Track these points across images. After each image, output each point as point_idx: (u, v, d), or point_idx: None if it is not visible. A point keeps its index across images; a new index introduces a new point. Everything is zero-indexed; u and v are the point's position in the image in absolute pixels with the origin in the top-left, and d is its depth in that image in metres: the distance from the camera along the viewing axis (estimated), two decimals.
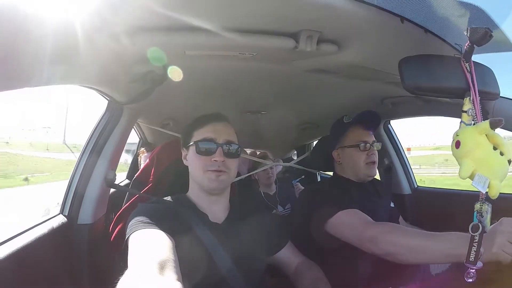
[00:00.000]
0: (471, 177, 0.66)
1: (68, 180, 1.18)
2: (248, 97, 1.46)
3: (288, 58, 0.98)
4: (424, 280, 1.18)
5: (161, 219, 0.78)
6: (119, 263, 1.06)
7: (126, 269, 0.62)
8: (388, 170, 1.72)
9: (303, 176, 2.52)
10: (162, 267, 0.62)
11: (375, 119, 1.28)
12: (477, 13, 0.71)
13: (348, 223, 1.05)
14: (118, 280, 0.58)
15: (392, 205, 1.33)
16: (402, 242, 0.90)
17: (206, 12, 0.72)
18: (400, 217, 1.39)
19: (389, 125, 1.78)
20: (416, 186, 1.76)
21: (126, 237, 0.76)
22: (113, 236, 1.13)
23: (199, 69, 1.09)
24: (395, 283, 1.13)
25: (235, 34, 0.80)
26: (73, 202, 1.11)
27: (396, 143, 1.79)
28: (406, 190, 1.73)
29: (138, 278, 0.60)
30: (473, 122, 0.73)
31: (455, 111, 1.15)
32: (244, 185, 2.06)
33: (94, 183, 1.16)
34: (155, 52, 0.88)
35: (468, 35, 0.70)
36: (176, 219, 0.83)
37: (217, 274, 0.81)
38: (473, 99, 0.73)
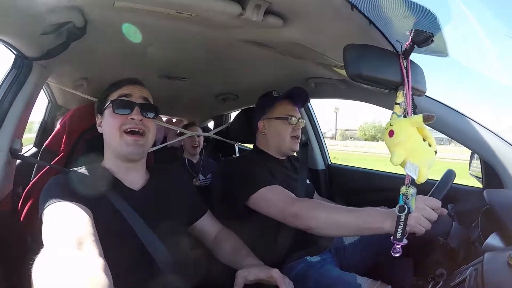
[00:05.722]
0: (402, 164, 0.72)
1: None
2: (173, 61, 1.33)
3: (228, 25, 0.90)
4: (338, 249, 1.32)
5: (75, 191, 0.76)
6: (32, 245, 0.98)
7: (41, 249, 0.58)
8: (305, 147, 1.82)
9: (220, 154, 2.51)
10: (80, 242, 0.60)
11: (304, 96, 1.34)
12: (423, 15, 0.75)
13: (271, 199, 1.08)
14: (33, 261, 0.54)
15: (308, 181, 1.42)
16: (324, 217, 0.96)
17: None
18: (315, 192, 1.50)
19: (309, 104, 1.86)
20: (330, 163, 1.92)
21: (40, 214, 0.73)
22: (23, 215, 0.99)
23: None
24: (312, 251, 1.23)
25: None
26: None
27: (314, 121, 1.89)
28: (321, 166, 1.87)
29: (55, 256, 0.56)
30: (402, 114, 0.79)
31: (375, 99, 1.26)
32: (164, 152, 1.98)
33: None
34: None
35: (411, 35, 0.73)
36: (91, 189, 0.79)
37: (136, 242, 0.80)
38: (406, 93, 0.78)
